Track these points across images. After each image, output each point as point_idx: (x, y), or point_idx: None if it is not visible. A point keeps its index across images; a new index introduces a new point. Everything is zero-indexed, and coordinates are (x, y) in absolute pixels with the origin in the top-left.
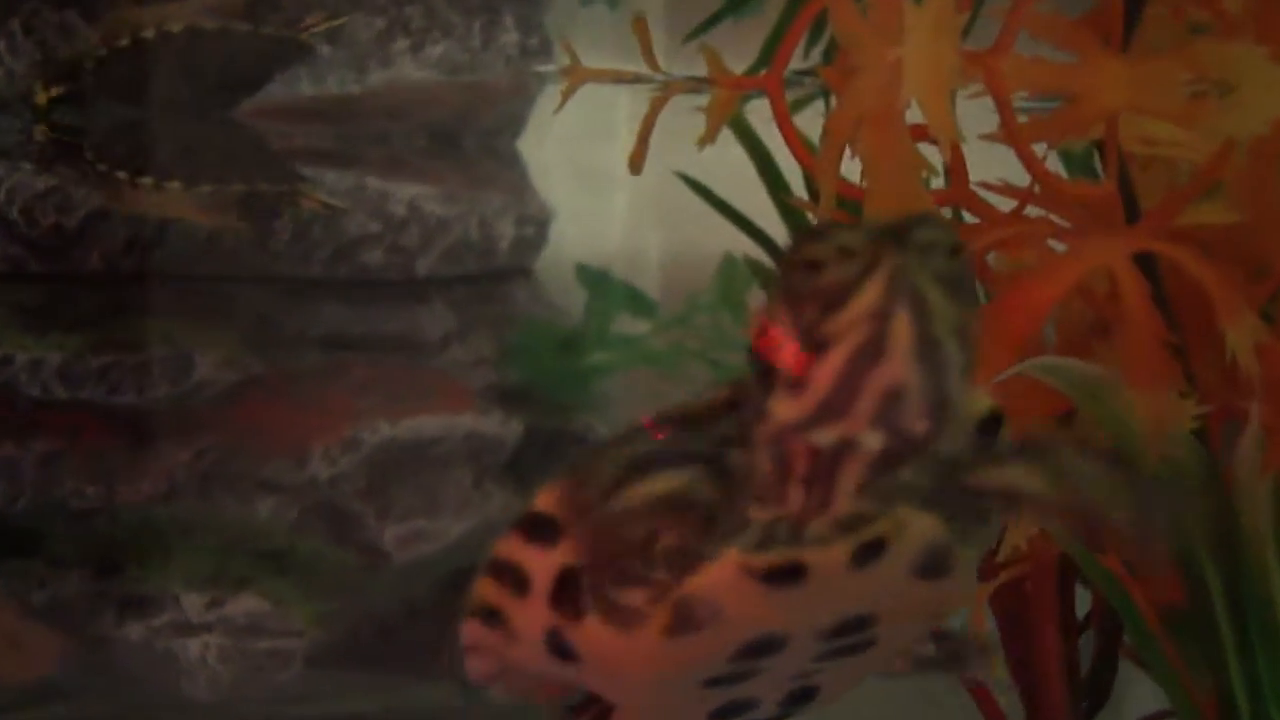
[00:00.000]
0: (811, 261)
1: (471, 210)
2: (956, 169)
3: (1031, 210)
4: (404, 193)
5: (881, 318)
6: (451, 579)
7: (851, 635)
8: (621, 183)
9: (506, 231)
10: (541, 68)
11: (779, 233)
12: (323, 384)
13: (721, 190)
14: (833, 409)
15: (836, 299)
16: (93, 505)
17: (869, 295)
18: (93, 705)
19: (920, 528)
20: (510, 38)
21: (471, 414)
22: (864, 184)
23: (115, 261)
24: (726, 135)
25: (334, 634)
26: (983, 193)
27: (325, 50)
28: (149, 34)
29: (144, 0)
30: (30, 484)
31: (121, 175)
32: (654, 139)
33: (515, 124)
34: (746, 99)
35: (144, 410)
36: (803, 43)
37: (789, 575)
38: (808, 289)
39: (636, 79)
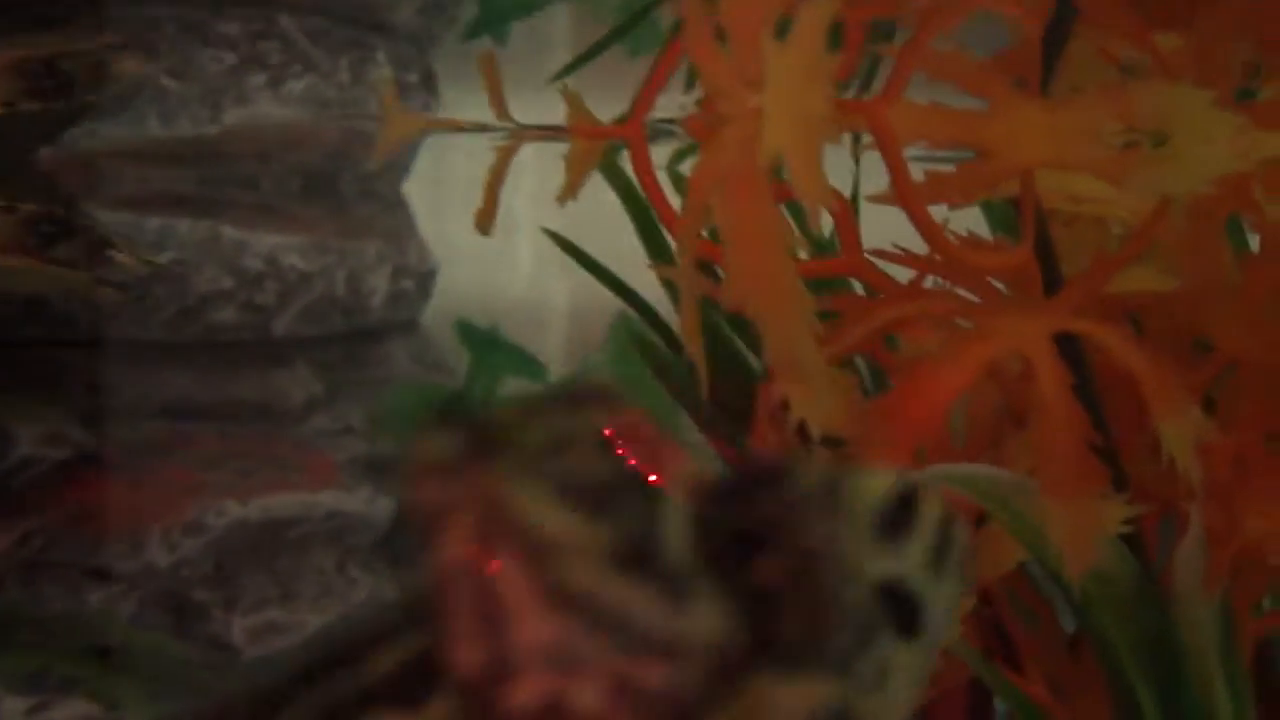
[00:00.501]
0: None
1: (340, 263)
2: (846, 234)
3: (935, 281)
4: (262, 244)
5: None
6: None
7: None
8: (524, 228)
9: (379, 286)
10: (421, 105)
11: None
12: (163, 459)
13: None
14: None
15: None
16: None
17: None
18: None
19: None
20: (383, 74)
21: (334, 490)
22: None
23: None
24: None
25: None
26: (878, 262)
27: (173, 86)
28: None
29: None
30: None
31: None
32: (556, 177)
33: (398, 166)
34: (615, 149)
35: None
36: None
37: None
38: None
39: (480, 128)
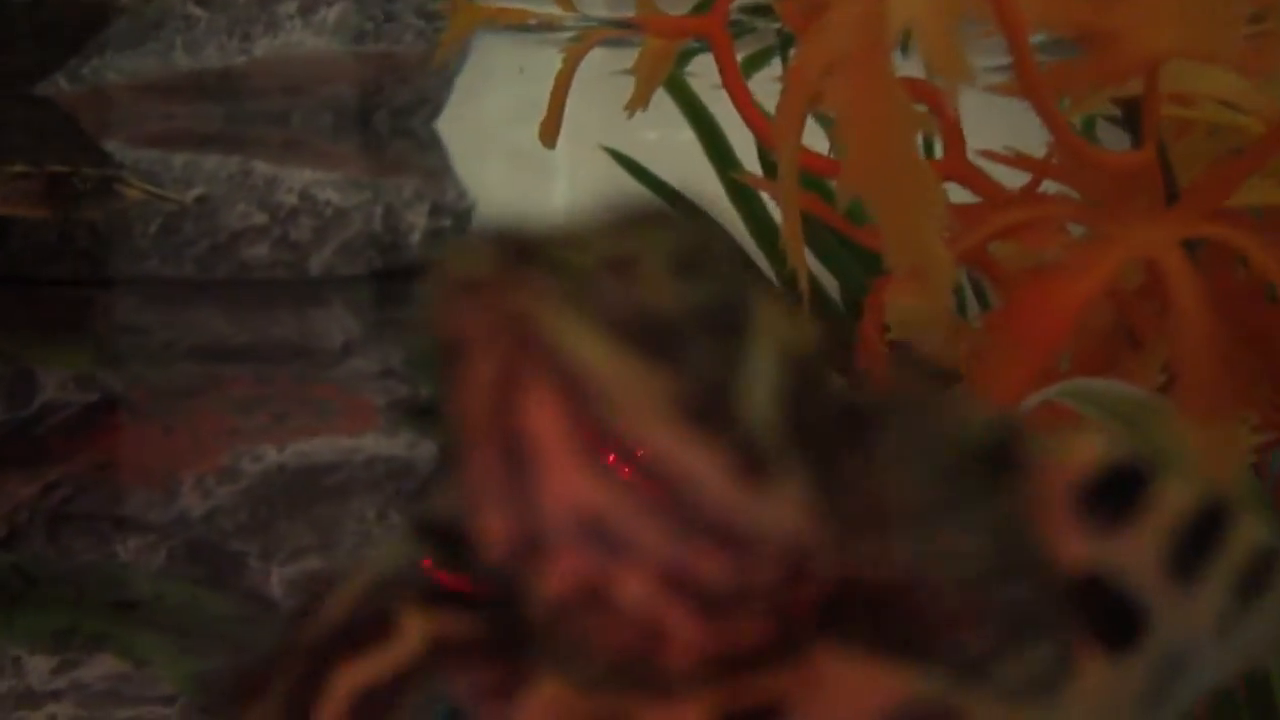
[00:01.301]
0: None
1: (376, 199)
2: (951, 134)
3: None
4: (296, 179)
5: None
6: None
7: None
8: (560, 166)
9: (418, 223)
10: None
11: (733, 220)
12: (196, 403)
13: (670, 171)
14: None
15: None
16: None
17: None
18: None
19: None
20: (410, 6)
21: (374, 435)
22: (837, 151)
23: None
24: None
25: (210, 699)
26: (985, 164)
27: (200, 15)
28: None
29: None
30: None
31: None
32: (593, 113)
33: (432, 102)
34: (687, 55)
35: None
36: None
37: None
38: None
39: (545, 24)
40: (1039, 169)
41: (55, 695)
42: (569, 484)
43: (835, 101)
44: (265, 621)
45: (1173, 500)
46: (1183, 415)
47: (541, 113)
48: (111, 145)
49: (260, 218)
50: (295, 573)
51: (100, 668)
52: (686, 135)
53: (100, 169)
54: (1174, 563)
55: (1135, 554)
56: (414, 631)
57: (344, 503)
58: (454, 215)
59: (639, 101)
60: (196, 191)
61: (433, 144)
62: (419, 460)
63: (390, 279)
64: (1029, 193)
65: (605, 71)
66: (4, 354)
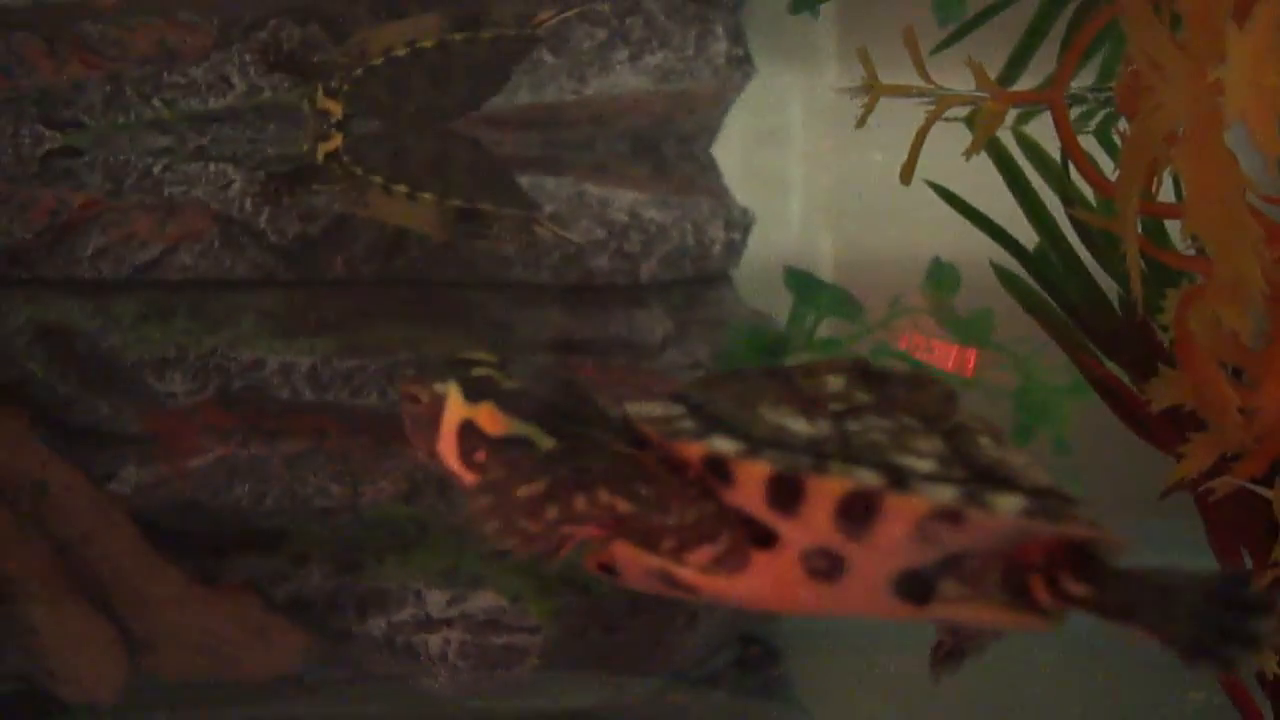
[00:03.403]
0: None
1: (685, 216)
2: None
3: None
4: (622, 199)
5: None
6: None
7: None
8: (795, 187)
9: (718, 236)
10: (743, 75)
11: (1028, 238)
12: None
13: (890, 184)
14: None
15: None
16: (336, 504)
17: None
18: (335, 699)
19: None
20: (720, 47)
21: None
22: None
23: (356, 268)
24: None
25: (564, 630)
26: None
27: (549, 60)
28: (401, 51)
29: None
30: (277, 483)
31: (377, 182)
32: (836, 145)
33: (710, 130)
34: (1027, 113)
35: (386, 413)
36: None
37: None
38: None
39: (920, 93)
40: None
41: (448, 623)
42: None
43: (1179, 163)
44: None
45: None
46: None
47: (776, 140)
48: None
49: (600, 233)
50: None
51: (483, 601)
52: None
53: (521, 210)
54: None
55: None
56: None
57: None
58: (741, 229)
59: (976, 148)
60: (550, 209)
61: (710, 166)
62: None
63: (694, 284)
64: None
65: (838, 110)
66: (407, 342)
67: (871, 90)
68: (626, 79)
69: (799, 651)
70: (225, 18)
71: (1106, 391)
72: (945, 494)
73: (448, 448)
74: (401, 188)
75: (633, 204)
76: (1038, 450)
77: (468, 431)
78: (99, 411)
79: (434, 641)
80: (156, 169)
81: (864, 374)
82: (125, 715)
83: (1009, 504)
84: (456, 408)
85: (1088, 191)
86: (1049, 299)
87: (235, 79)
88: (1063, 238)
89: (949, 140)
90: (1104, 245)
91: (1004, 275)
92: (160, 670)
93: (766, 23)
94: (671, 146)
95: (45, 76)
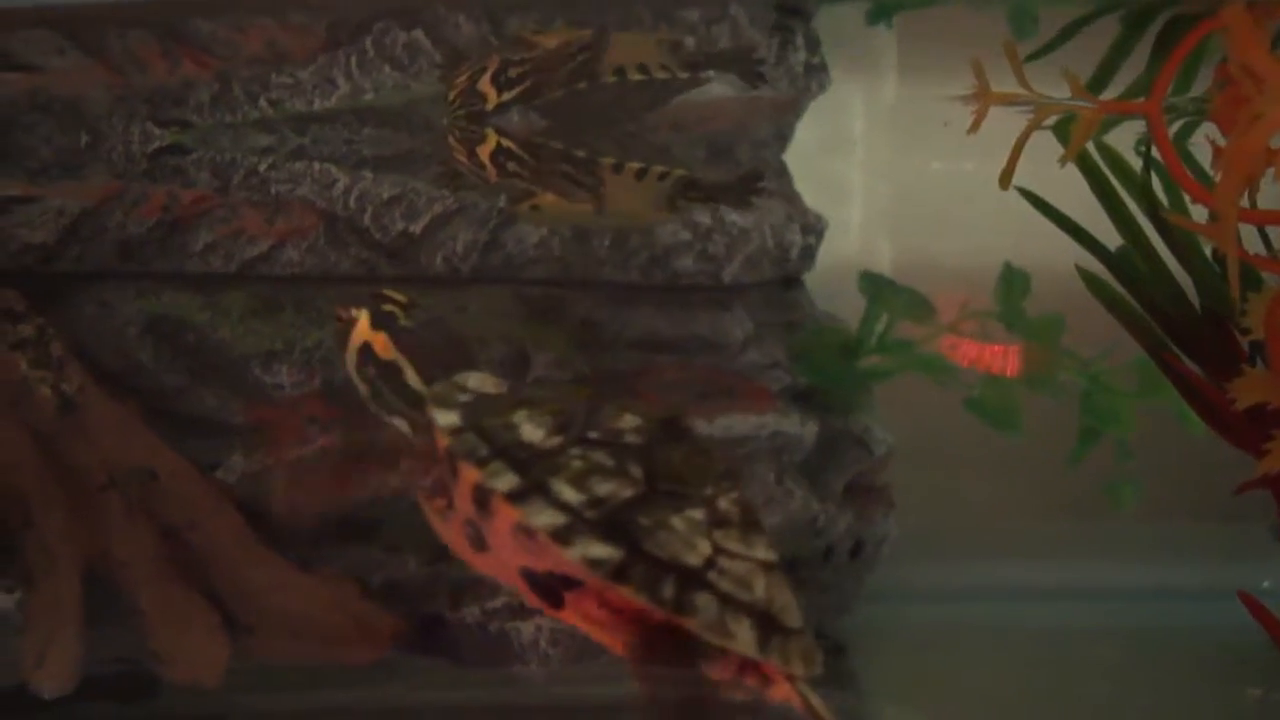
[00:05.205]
0: None
1: (764, 219)
2: None
3: None
4: (705, 202)
5: None
6: None
7: None
8: (855, 194)
9: (795, 239)
10: (818, 83)
11: (1114, 243)
12: (635, 383)
13: (949, 193)
14: None
15: None
16: None
17: None
18: (428, 685)
19: None
20: (799, 56)
21: (774, 414)
22: None
23: (455, 265)
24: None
25: None
26: None
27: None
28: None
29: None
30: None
31: (607, 162)
32: (892, 153)
33: (784, 137)
34: (1116, 122)
35: None
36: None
37: None
38: None
39: (1026, 101)
40: None
41: (540, 611)
42: None
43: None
44: None
45: None
46: None
47: (838, 148)
48: None
49: (685, 234)
50: None
51: None
52: (965, 167)
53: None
54: None
55: None
56: None
57: (751, 468)
58: (816, 234)
59: (1070, 155)
60: None
61: (783, 172)
62: (808, 436)
63: (771, 287)
64: None
65: (898, 119)
66: (507, 339)
67: (982, 98)
68: (709, 86)
69: (866, 648)
70: (333, 19)
71: (1188, 390)
72: (544, 517)
73: (349, 360)
74: (633, 164)
75: (716, 207)
76: (1101, 455)
77: (365, 351)
78: (206, 402)
79: (526, 629)
80: (262, 167)
81: (671, 428)
82: (227, 697)
83: (597, 552)
84: (362, 330)
85: (1163, 199)
86: (1131, 300)
87: (340, 81)
88: (1146, 241)
89: (1007, 149)
90: (1185, 249)
91: (1088, 277)
92: (261, 653)
93: (830, 32)
94: (746, 152)
95: (157, 76)
